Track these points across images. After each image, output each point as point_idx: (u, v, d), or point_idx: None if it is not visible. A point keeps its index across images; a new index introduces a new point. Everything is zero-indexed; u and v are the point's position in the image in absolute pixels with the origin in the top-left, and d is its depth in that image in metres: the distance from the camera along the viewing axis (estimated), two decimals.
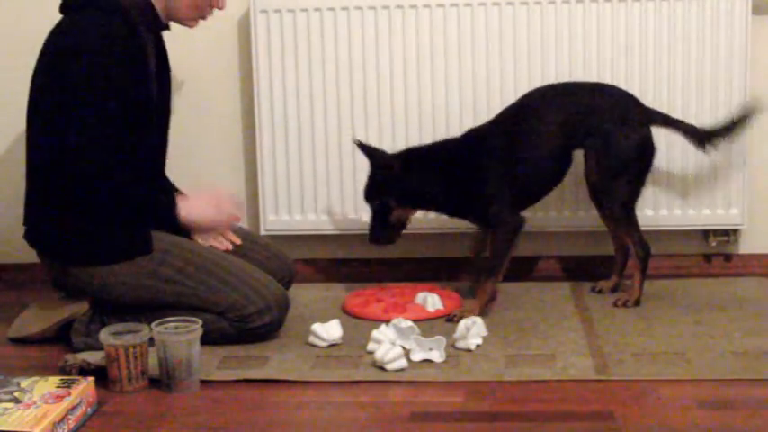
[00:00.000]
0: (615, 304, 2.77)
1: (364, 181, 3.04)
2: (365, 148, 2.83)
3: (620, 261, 2.92)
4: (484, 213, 2.76)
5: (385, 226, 2.83)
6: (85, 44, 2.43)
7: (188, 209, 2.52)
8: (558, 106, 2.78)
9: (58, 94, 2.44)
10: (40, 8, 2.71)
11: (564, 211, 3.05)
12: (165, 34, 2.67)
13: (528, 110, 2.81)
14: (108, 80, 2.42)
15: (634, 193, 2.77)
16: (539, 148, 2.76)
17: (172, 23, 2.67)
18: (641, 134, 2.76)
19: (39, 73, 2.52)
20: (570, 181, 2.97)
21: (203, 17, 2.65)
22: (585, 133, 2.75)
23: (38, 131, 2.52)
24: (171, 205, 2.50)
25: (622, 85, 2.94)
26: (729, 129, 2.80)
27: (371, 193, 2.83)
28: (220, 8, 2.64)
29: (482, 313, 2.68)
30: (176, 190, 2.77)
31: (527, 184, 2.78)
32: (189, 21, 2.64)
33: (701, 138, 2.80)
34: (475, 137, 2.82)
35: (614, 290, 2.91)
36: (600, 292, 2.91)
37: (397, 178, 2.78)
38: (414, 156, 2.81)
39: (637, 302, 2.77)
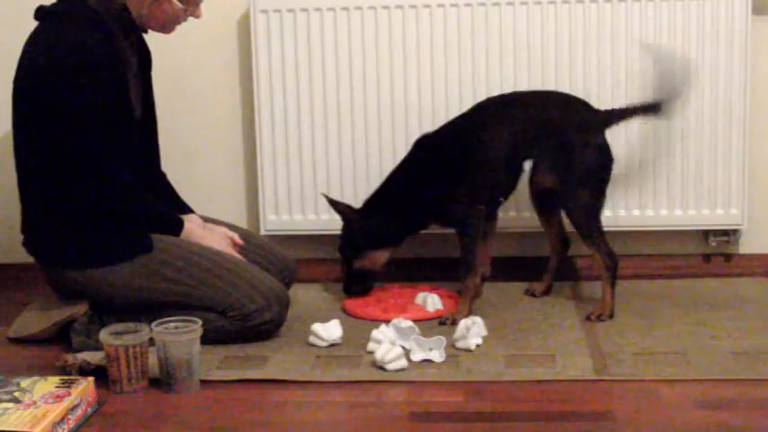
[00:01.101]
0: (589, 318, 2.67)
1: (365, 181, 3.05)
2: (333, 204, 2.87)
3: (553, 262, 2.91)
4: (445, 215, 2.78)
5: (360, 277, 2.87)
6: (65, 58, 2.42)
7: (193, 236, 2.59)
8: (509, 117, 2.75)
9: (45, 107, 2.45)
10: (18, 14, 2.70)
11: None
12: (166, 35, 2.66)
13: (478, 120, 2.79)
14: (93, 92, 2.43)
15: (598, 202, 2.72)
16: (487, 160, 2.74)
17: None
18: (599, 141, 2.72)
19: (22, 84, 2.51)
20: None
21: (178, 23, 2.63)
22: (539, 144, 2.73)
23: (27, 144, 2.53)
24: (176, 227, 2.58)
25: (623, 86, 2.95)
26: (671, 88, 2.74)
27: (345, 247, 2.87)
28: (197, 17, 2.63)
29: (470, 312, 2.68)
30: (172, 188, 2.80)
31: (477, 192, 2.76)
32: (163, 30, 2.62)
33: (657, 107, 2.74)
34: (427, 150, 2.82)
35: (546, 292, 2.89)
36: (533, 294, 2.89)
37: (367, 232, 2.82)
38: (371, 204, 2.85)
39: (611, 315, 2.68)
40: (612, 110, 2.80)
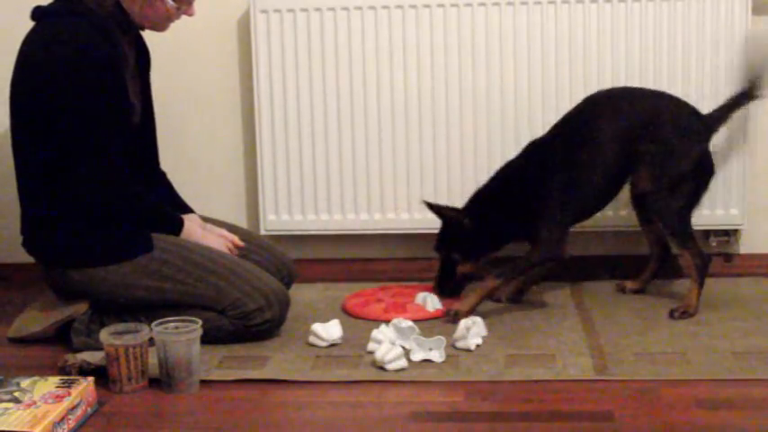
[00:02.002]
0: (672, 316, 2.68)
1: (365, 181, 3.05)
2: (433, 208, 2.80)
3: (652, 265, 2.92)
4: (536, 231, 2.70)
5: (449, 278, 2.82)
6: (63, 57, 2.42)
7: (194, 236, 2.59)
8: (621, 113, 2.71)
9: (44, 107, 2.45)
10: (14, 14, 2.70)
11: None
12: (166, 34, 2.66)
13: (589, 118, 2.74)
14: (91, 91, 2.43)
15: (690, 206, 2.72)
16: (599, 158, 2.70)
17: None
18: (701, 149, 2.71)
19: (20, 84, 2.52)
20: None
21: (171, 22, 2.62)
22: (645, 141, 2.68)
23: (26, 144, 2.53)
24: (176, 227, 2.58)
25: (623, 85, 2.95)
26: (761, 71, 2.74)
27: (439, 246, 2.82)
28: (190, 16, 2.62)
29: (471, 309, 2.67)
30: (172, 187, 2.80)
31: (585, 197, 2.73)
32: (156, 28, 2.62)
33: (752, 93, 2.75)
34: (536, 153, 2.76)
35: (639, 291, 2.90)
36: (623, 291, 2.91)
37: (466, 234, 2.76)
38: (479, 205, 2.77)
39: (693, 314, 2.69)
40: (716, 113, 2.77)
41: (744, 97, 2.77)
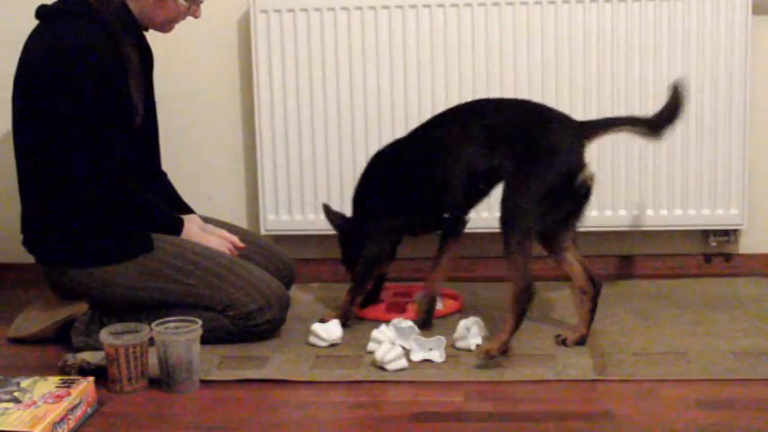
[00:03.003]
0: (478, 354, 2.39)
1: None
2: (328, 214, 2.78)
3: (584, 305, 2.52)
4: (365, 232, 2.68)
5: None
6: (66, 57, 2.42)
7: (194, 237, 2.60)
8: (474, 126, 2.51)
9: (46, 106, 2.45)
10: (18, 12, 2.71)
11: None
12: (166, 34, 2.66)
13: (434, 132, 2.61)
14: (94, 92, 2.44)
15: (535, 213, 2.36)
16: (439, 174, 2.54)
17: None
18: (569, 160, 2.39)
19: (23, 83, 2.52)
20: None
21: (177, 23, 2.63)
22: (503, 156, 2.43)
23: (28, 143, 2.53)
24: (176, 228, 2.58)
25: (623, 85, 2.95)
26: (672, 110, 2.41)
27: (347, 261, 2.78)
28: (196, 17, 2.62)
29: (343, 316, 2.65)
30: (173, 188, 2.80)
31: (424, 210, 2.64)
32: (162, 28, 2.62)
33: (651, 126, 2.42)
34: (375, 159, 2.73)
35: (581, 342, 2.49)
36: (563, 343, 2.49)
37: (348, 242, 2.72)
38: (353, 213, 2.73)
39: (504, 351, 2.38)
40: (593, 123, 2.48)
41: (637, 124, 2.46)
